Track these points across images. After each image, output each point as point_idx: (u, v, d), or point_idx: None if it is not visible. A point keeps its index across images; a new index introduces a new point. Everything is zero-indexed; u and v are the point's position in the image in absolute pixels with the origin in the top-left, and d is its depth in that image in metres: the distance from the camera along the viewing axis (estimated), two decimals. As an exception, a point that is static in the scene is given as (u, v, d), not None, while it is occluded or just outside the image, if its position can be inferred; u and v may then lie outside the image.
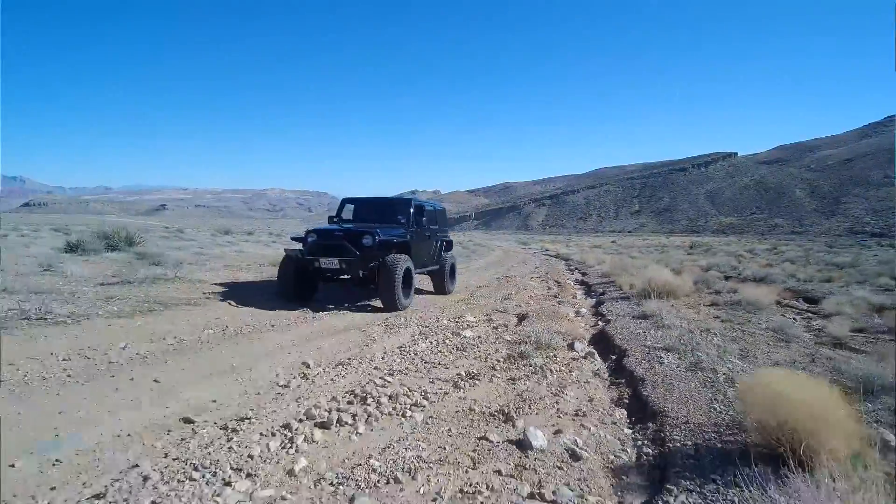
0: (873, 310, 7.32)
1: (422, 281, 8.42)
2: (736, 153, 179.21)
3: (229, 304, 5.92)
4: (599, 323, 6.10)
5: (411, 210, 7.70)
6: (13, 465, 1.98)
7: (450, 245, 9.29)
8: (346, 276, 6.68)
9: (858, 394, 3.11)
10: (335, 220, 7.98)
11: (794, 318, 6.85)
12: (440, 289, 8.62)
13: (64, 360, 3.37)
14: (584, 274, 13.69)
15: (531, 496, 1.96)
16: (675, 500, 1.86)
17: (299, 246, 7.05)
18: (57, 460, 2.04)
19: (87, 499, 1.79)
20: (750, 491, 1.78)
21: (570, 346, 4.60)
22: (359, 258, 6.33)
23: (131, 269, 7.74)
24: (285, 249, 6.89)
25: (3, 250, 10.56)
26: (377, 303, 6.69)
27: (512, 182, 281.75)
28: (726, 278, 12.00)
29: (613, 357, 4.35)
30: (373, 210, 8.19)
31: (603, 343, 4.92)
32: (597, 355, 4.44)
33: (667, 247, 36.59)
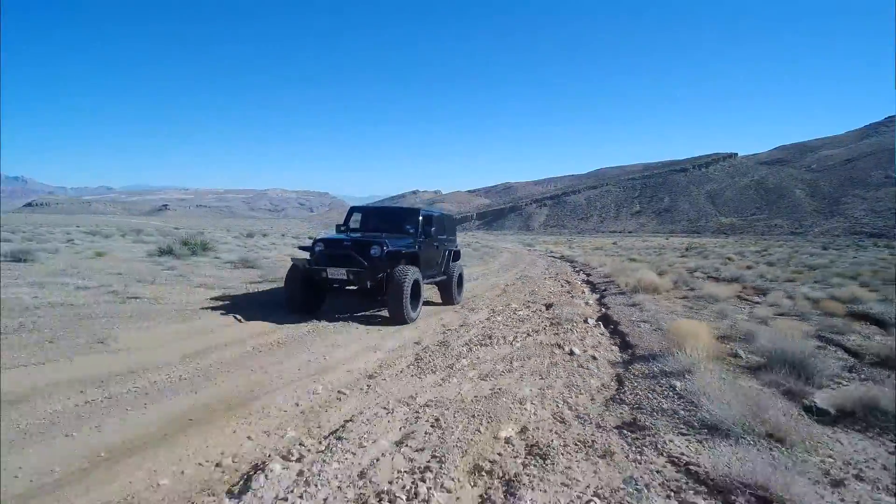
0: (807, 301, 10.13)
1: (428, 291, 8.55)
2: (736, 154, 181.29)
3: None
4: (602, 309, 8.94)
5: (420, 220, 7.66)
6: (356, 359, 4.86)
7: (457, 255, 9.14)
8: (353, 287, 6.56)
9: (738, 337, 5.98)
10: (343, 228, 7.91)
11: (742, 307, 9.67)
12: (447, 300, 8.59)
13: (314, 322, 6.26)
14: (588, 275, 16.53)
15: (579, 367, 4.84)
16: (635, 365, 4.73)
17: (306, 255, 7.00)
18: (381, 356, 4.92)
19: (408, 364, 4.65)
20: (665, 360, 4.67)
21: (585, 321, 7.46)
22: (367, 269, 6.26)
23: (266, 273, 10.63)
24: (292, 258, 6.81)
25: (109, 253, 13.19)
26: (384, 312, 6.84)
27: (513, 182, 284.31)
28: (708, 278, 14.87)
29: (611, 326, 7.19)
30: (381, 219, 8.09)
31: (605, 319, 7.77)
32: (602, 325, 7.30)
33: (665, 248, 39.29)
